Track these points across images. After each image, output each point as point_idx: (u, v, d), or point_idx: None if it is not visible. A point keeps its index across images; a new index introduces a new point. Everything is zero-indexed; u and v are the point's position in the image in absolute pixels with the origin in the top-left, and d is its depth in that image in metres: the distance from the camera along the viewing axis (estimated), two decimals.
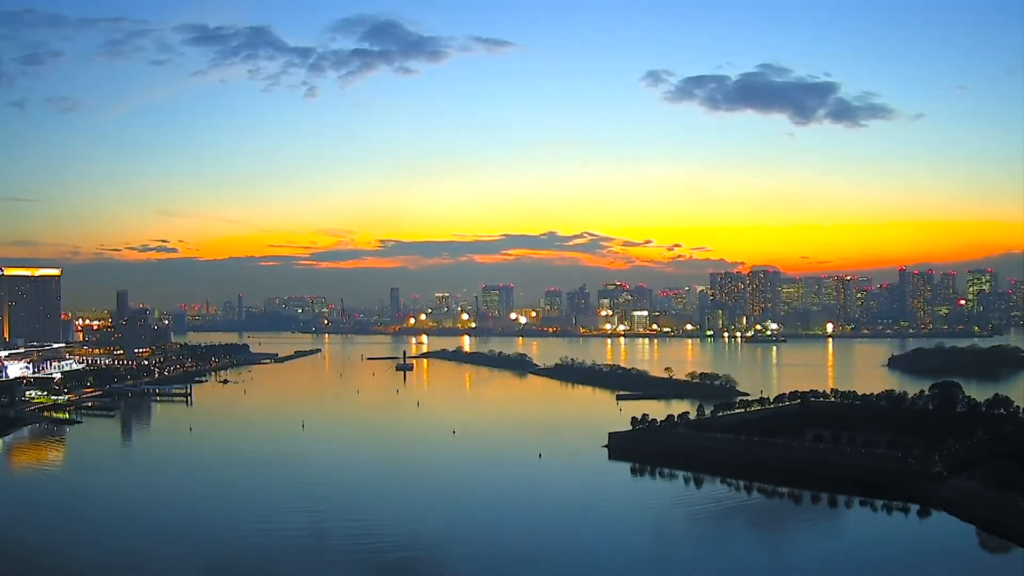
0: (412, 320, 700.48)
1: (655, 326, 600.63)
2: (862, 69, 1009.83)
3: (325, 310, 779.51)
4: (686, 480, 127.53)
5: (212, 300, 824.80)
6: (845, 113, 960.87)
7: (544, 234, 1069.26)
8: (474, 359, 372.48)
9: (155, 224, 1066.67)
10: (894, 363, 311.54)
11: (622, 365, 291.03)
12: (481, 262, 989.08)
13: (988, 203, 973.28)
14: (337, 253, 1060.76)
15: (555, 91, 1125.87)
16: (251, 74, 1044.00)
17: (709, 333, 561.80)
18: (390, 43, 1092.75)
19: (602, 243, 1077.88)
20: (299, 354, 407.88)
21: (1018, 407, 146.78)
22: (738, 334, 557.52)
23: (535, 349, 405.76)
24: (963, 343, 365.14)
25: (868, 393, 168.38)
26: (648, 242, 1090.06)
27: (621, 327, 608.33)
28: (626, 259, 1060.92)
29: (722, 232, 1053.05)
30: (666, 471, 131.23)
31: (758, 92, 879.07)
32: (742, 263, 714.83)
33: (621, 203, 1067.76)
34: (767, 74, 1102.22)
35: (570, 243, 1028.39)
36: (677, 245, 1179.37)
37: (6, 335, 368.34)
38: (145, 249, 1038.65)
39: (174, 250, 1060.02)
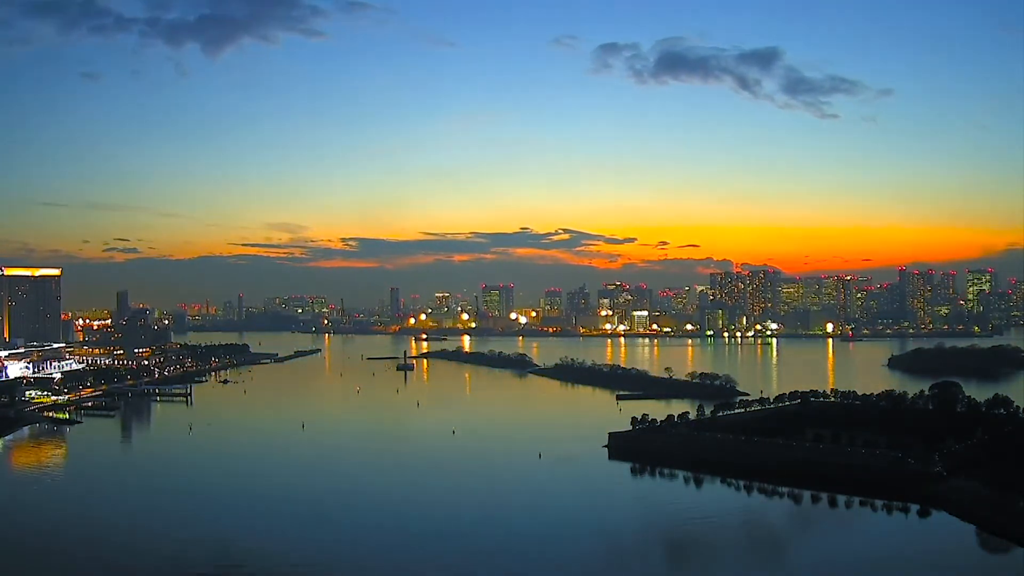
0: (412, 320, 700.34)
1: (655, 326, 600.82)
2: (809, 37, 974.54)
3: (325, 310, 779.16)
4: (686, 480, 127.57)
5: (194, 299, 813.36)
6: (800, 87, 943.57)
7: (518, 231, 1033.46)
8: (474, 359, 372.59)
9: (96, 219, 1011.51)
10: (894, 363, 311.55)
11: (622, 365, 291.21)
12: (460, 261, 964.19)
13: (981, 194, 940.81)
14: (316, 252, 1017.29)
15: (454, 61, 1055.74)
16: (107, 49, 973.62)
17: (709, 333, 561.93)
18: (234, 9, 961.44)
19: (583, 241, 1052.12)
20: (299, 354, 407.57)
21: (1018, 407, 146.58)
22: (738, 334, 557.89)
23: (535, 349, 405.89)
24: (963, 343, 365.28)
25: (868, 393, 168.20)
26: (631, 240, 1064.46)
27: (621, 327, 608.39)
28: (609, 257, 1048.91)
29: (705, 231, 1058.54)
30: (666, 471, 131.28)
31: (692, 61, 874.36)
32: (730, 260, 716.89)
33: (586, 195, 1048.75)
34: (688, 39, 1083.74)
35: (545, 240, 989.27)
36: (664, 243, 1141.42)
37: (6, 335, 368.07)
38: (110, 249, 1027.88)
39: (134, 250, 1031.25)
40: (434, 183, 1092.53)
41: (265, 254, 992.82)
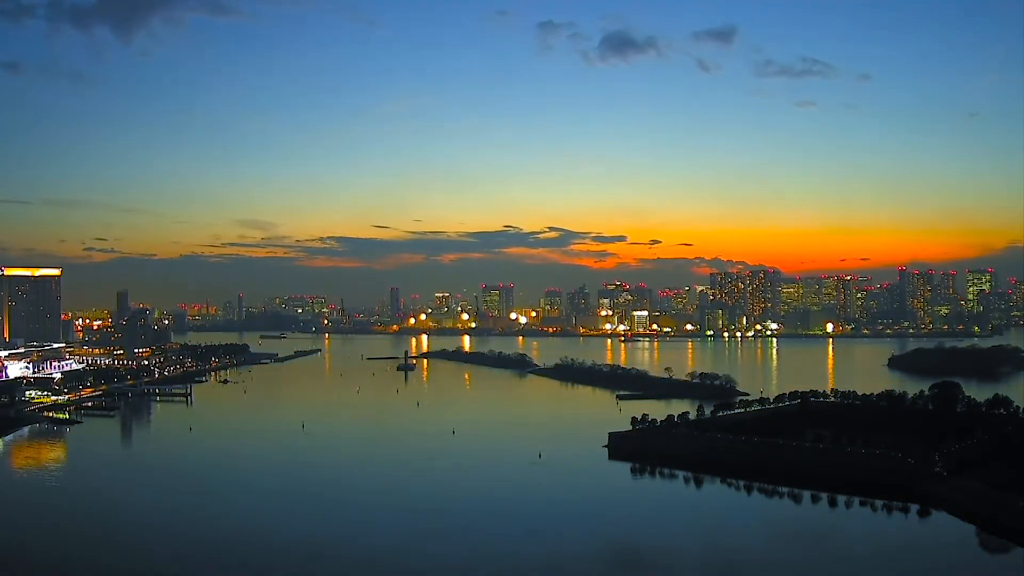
0: (412, 320, 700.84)
1: (655, 326, 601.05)
2: (770, 15, 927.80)
3: (325, 310, 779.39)
4: (686, 480, 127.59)
5: (183, 299, 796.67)
6: (768, 70, 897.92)
7: (502, 229, 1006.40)
8: (474, 359, 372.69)
9: (59, 217, 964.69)
10: (894, 363, 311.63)
11: (622, 365, 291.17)
12: (448, 262, 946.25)
13: (978, 188, 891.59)
14: (300, 251, 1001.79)
15: (378, 40, 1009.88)
16: (17, 35, 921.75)
17: (709, 333, 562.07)
18: None
19: (572, 241, 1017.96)
20: (299, 354, 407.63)
21: (1018, 407, 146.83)
22: (738, 334, 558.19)
23: (535, 349, 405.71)
24: (963, 343, 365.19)
25: (868, 393, 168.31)
26: (622, 238, 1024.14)
27: (621, 327, 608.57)
28: (598, 256, 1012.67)
29: (695, 231, 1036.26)
30: (666, 471, 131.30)
31: (640, 42, 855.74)
32: (719, 258, 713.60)
33: (564, 191, 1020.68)
34: (631, 16, 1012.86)
35: (532, 239, 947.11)
36: (655, 241, 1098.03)
37: (6, 335, 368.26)
38: (90, 250, 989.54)
39: (111, 250, 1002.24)
40: (396, 176, 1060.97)
41: (248, 254, 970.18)
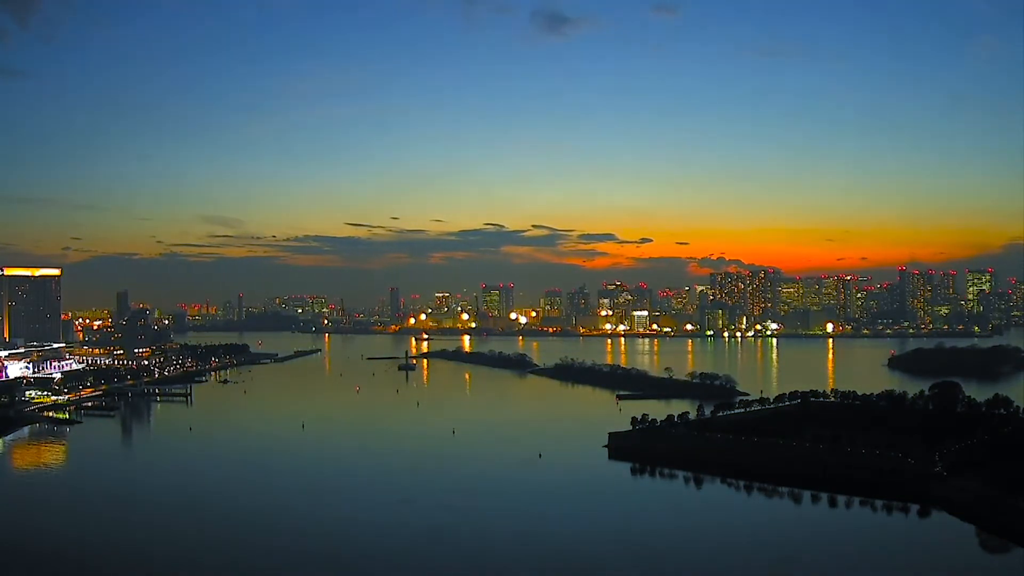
0: (412, 320, 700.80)
1: (655, 326, 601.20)
2: None
3: (325, 310, 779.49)
4: (686, 480, 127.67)
5: (168, 297, 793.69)
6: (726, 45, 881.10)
7: (484, 226, 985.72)
8: (474, 359, 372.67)
9: (29, 216, 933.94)
10: (894, 363, 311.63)
11: (622, 365, 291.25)
12: (435, 261, 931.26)
13: (970, 178, 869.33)
14: (285, 250, 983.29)
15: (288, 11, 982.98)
16: None
17: (709, 333, 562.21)
18: None
19: (559, 241, 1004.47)
20: (299, 354, 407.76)
21: (1018, 407, 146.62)
22: (738, 334, 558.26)
23: (535, 350, 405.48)
24: (963, 343, 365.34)
25: (868, 393, 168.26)
26: (610, 236, 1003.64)
27: (621, 327, 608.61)
28: (585, 256, 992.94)
29: (689, 231, 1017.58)
30: (666, 471, 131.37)
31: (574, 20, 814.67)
32: (710, 256, 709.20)
33: (544, 185, 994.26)
34: None
35: (518, 237, 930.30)
36: (646, 239, 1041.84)
37: (6, 335, 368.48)
38: (67, 249, 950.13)
39: (87, 250, 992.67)
40: (363, 169, 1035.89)
41: (230, 253, 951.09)
